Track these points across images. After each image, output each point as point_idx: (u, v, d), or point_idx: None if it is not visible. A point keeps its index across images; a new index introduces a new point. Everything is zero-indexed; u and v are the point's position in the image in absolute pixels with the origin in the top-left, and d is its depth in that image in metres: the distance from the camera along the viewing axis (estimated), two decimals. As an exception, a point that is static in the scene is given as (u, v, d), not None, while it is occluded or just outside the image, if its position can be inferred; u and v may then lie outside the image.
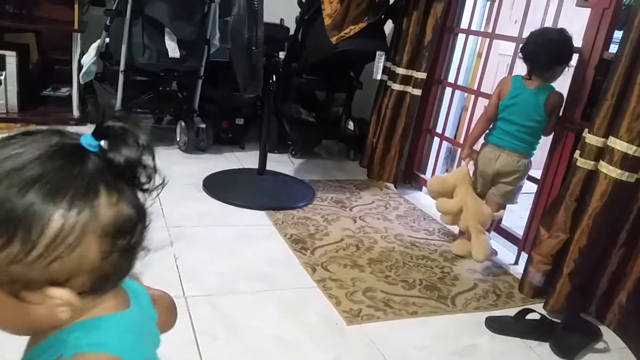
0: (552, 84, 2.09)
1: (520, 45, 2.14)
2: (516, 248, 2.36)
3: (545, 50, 2.01)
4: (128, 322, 0.57)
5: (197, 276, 1.79)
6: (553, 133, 2.18)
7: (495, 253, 2.34)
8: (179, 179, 2.61)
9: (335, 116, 3.52)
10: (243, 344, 1.50)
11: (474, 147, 2.29)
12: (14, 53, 2.96)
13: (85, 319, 0.54)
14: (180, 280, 1.75)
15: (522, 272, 2.07)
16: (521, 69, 2.18)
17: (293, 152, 3.27)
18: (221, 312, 1.62)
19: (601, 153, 1.78)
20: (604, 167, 1.75)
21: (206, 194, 2.49)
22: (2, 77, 2.96)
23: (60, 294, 0.50)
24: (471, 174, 2.24)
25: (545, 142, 2.24)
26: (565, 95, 2.10)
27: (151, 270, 1.89)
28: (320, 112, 3.57)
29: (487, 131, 2.24)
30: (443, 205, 2.24)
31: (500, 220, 2.37)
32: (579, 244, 1.82)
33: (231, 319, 1.60)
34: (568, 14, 2.28)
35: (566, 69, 2.07)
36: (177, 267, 1.82)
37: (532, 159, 2.18)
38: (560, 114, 2.13)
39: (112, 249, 0.52)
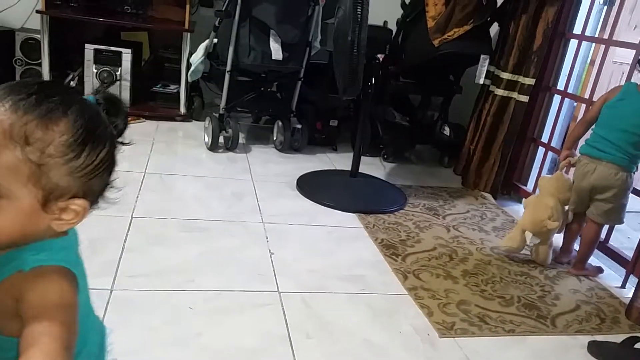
0: None
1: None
2: (624, 270, 2.18)
3: None
4: (72, 244, 0.70)
5: (291, 272, 1.83)
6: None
7: (601, 271, 2.19)
8: (274, 177, 2.68)
9: (429, 121, 3.45)
10: (335, 345, 1.51)
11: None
12: (129, 50, 3.18)
13: (38, 241, 0.65)
14: (275, 275, 1.79)
15: (630, 296, 1.93)
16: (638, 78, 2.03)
17: (385, 156, 3.24)
18: (313, 310, 1.64)
19: None
20: None
21: (299, 193, 2.53)
22: (118, 73, 3.18)
23: (81, 203, 0.64)
24: (566, 182, 2.16)
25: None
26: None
27: (249, 263, 1.95)
28: (415, 116, 3.51)
29: (584, 143, 2.11)
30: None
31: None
32: (701, 271, 1.66)
33: (323, 318, 1.61)
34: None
35: None
36: (272, 262, 1.87)
37: (633, 175, 2.03)
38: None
39: (112, 175, 0.68)
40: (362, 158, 2.76)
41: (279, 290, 1.71)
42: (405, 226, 2.36)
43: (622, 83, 2.25)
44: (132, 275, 1.67)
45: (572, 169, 2.20)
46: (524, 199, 2.34)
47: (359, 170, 2.73)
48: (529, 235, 2.12)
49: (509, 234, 2.23)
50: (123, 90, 3.21)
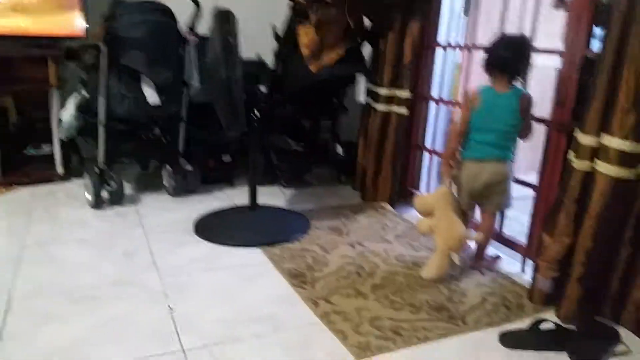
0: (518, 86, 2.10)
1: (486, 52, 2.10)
2: (520, 256, 2.30)
3: (522, 56, 2.03)
4: None
5: (195, 326, 1.72)
6: (532, 135, 2.15)
7: (499, 258, 2.29)
8: (169, 225, 2.55)
9: (322, 142, 3.49)
10: (249, 394, 1.43)
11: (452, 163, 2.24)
12: (-8, 117, 2.93)
13: None
14: (178, 333, 1.68)
15: (530, 280, 2.02)
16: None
17: (283, 183, 3.22)
18: (224, 361, 1.55)
19: (596, 152, 1.74)
20: (601, 166, 1.71)
21: (198, 237, 2.43)
22: (-18, 143, 2.92)
23: None
24: (454, 193, 2.18)
25: (537, 145, 2.21)
26: (553, 97, 2.09)
27: (148, 326, 1.81)
28: (307, 140, 3.53)
29: (461, 149, 2.19)
30: (419, 226, 2.20)
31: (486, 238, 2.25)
32: (584, 247, 1.78)
33: (235, 368, 1.53)
34: (543, 16, 2.28)
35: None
36: (173, 320, 1.75)
37: (512, 162, 2.16)
38: (550, 116, 2.11)
39: None
40: (261, 189, 2.71)
41: (183, 348, 1.60)
42: (312, 251, 2.33)
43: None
44: (15, 365, 1.49)
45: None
46: (420, 224, 2.20)
47: (259, 202, 2.68)
48: (455, 256, 2.08)
49: (434, 262, 2.11)
50: (-10, 159, 2.95)
